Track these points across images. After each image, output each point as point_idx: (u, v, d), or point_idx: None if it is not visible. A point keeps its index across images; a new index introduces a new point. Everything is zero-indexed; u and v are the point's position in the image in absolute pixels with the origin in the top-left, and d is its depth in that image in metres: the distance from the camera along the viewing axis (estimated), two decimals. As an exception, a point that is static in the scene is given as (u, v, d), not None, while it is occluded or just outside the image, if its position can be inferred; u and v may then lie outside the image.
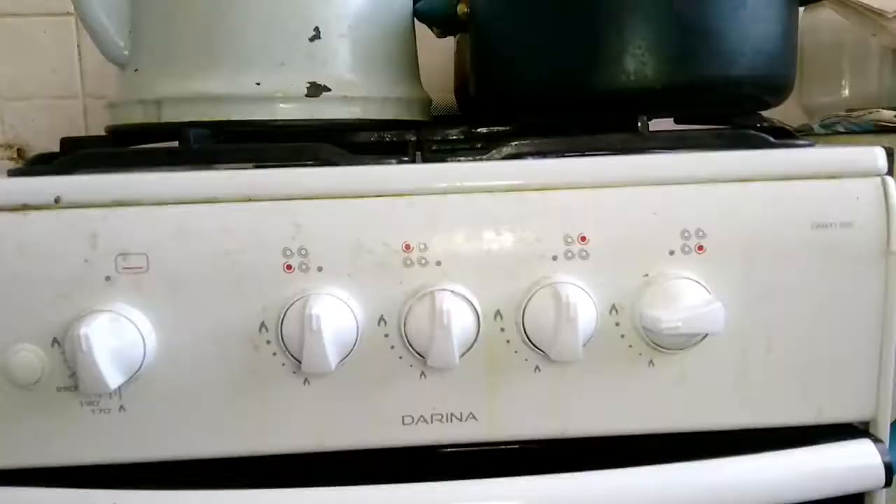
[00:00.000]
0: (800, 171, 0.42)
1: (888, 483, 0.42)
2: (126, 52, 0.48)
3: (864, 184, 0.42)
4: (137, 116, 0.47)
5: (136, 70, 0.48)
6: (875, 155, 0.42)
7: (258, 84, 0.46)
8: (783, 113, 0.83)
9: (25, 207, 0.40)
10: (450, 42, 0.76)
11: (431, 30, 0.63)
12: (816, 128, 0.77)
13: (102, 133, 0.53)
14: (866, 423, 0.44)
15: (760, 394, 0.42)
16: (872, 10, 0.75)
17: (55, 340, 0.39)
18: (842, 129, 0.75)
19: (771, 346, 0.42)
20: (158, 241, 0.39)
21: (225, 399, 0.40)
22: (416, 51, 0.57)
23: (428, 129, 0.51)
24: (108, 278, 0.39)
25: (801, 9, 0.53)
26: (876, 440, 0.43)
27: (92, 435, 0.40)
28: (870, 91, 0.81)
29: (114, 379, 0.37)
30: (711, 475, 0.42)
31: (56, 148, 0.89)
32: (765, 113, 0.54)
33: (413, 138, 0.50)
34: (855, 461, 0.43)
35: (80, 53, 0.91)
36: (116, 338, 0.38)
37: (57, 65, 0.91)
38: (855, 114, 0.76)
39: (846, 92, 0.85)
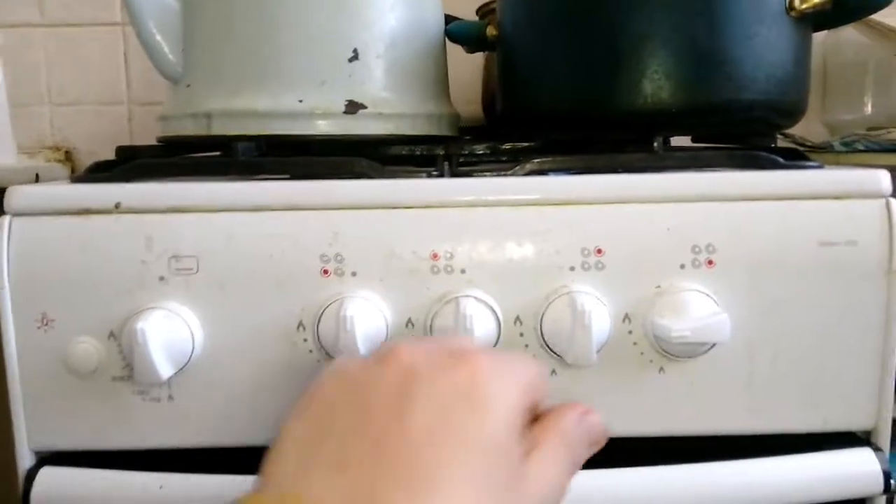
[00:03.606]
0: (807, 192, 0.44)
1: (886, 490, 0.44)
2: (179, 69, 0.51)
3: (868, 205, 0.43)
4: (188, 128, 0.51)
5: (187, 85, 0.51)
6: (879, 178, 0.44)
7: (300, 101, 0.49)
8: (805, 129, 0.85)
9: (88, 212, 0.44)
10: (478, 56, 0.79)
11: (462, 47, 0.66)
12: (837, 145, 0.78)
13: (148, 138, 0.57)
14: (868, 433, 0.45)
15: (766, 402, 0.44)
16: (895, 31, 0.76)
17: (112, 334, 0.43)
18: (861, 148, 0.76)
19: (777, 356, 0.44)
20: (208, 245, 0.43)
21: (264, 391, 0.43)
22: (447, 70, 0.60)
23: (456, 144, 0.54)
24: (161, 278, 0.43)
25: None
26: (876, 448, 0.45)
27: (142, 422, 0.44)
28: (892, 109, 0.82)
29: (165, 370, 0.41)
30: (716, 476, 0.44)
31: (102, 150, 0.94)
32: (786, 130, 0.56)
33: (442, 152, 0.53)
34: (855, 468, 0.44)
35: (126, 62, 0.96)
36: (168, 333, 0.41)
37: (104, 72, 0.95)
38: (875, 132, 0.78)
39: (868, 110, 0.86)
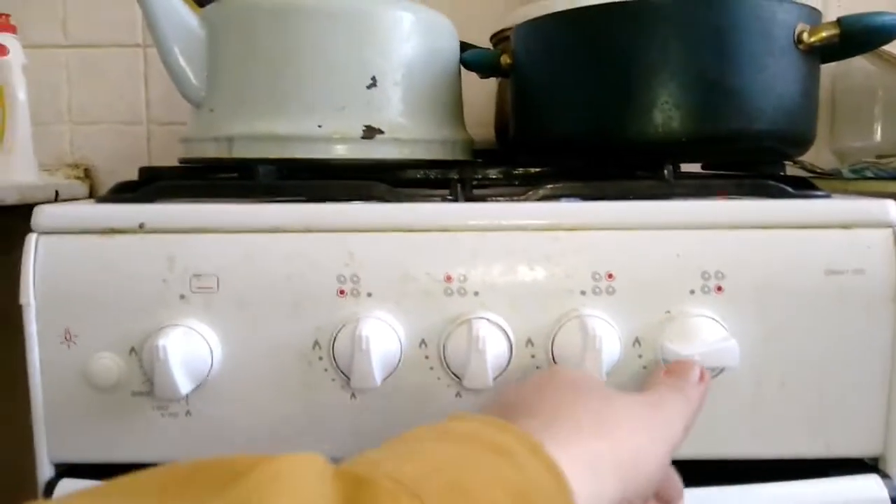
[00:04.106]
0: (815, 221, 0.45)
1: (894, 517, 0.44)
2: (202, 93, 0.53)
3: (875, 234, 0.44)
4: (210, 151, 0.52)
5: (210, 110, 0.53)
6: (886, 207, 0.45)
7: (320, 126, 0.50)
8: (814, 156, 0.85)
9: (112, 231, 0.45)
10: (492, 80, 0.80)
11: (476, 73, 0.67)
12: (846, 172, 0.79)
13: (167, 158, 0.58)
14: (875, 459, 0.46)
15: (773, 427, 0.45)
16: (905, 61, 0.77)
17: (133, 350, 0.44)
18: (870, 175, 0.77)
19: (784, 382, 0.44)
20: (228, 264, 0.44)
21: (280, 408, 0.44)
22: (462, 96, 0.61)
23: (470, 169, 0.55)
24: (182, 297, 0.44)
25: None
26: (884, 476, 0.45)
27: (161, 436, 0.45)
28: (901, 137, 0.83)
29: (185, 386, 0.42)
30: (722, 501, 0.44)
31: (121, 169, 0.96)
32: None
33: (456, 176, 0.54)
34: (863, 494, 0.45)
35: (146, 83, 0.97)
36: (188, 350, 0.42)
37: (124, 92, 0.97)
38: (884, 160, 0.78)
39: (877, 137, 0.86)
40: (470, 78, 0.63)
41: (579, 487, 0.28)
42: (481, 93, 0.83)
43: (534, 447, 0.28)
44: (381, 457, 0.27)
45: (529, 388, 0.36)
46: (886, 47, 0.75)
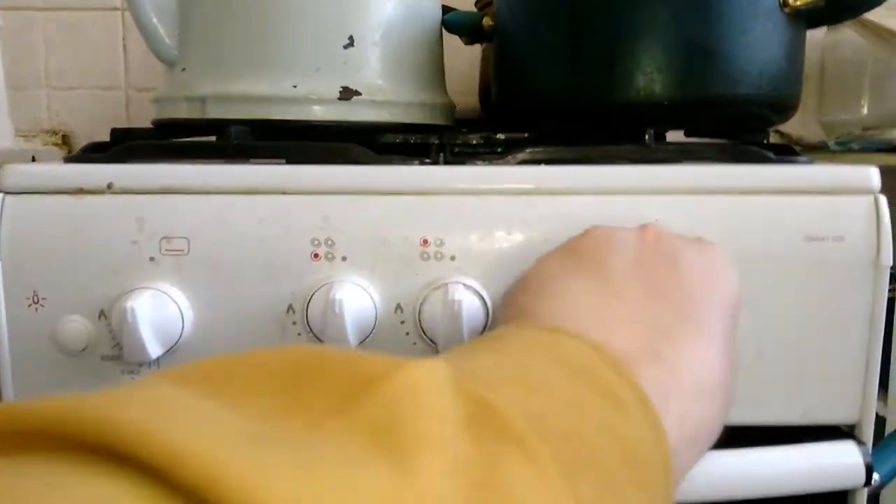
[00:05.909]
0: (796, 187, 0.44)
1: (867, 483, 0.44)
2: (174, 52, 0.51)
3: (857, 201, 0.44)
4: (182, 112, 0.51)
5: (183, 69, 0.51)
6: (869, 174, 0.44)
7: (295, 87, 0.49)
8: (802, 129, 0.85)
9: (81, 191, 0.44)
10: (476, 49, 0.79)
11: (460, 38, 0.66)
12: (832, 145, 0.78)
13: (146, 124, 0.57)
14: (851, 427, 0.46)
15: (751, 394, 0.44)
16: (893, 33, 0.76)
17: (102, 313, 0.43)
18: (856, 147, 0.76)
19: (762, 349, 0.44)
20: (199, 226, 0.43)
21: (253, 374, 0.44)
22: (443, 59, 0.60)
23: (450, 133, 0.54)
24: (152, 259, 0.43)
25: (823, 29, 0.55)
26: (859, 442, 0.45)
27: (131, 401, 0.44)
28: (888, 110, 0.82)
29: (154, 349, 0.41)
30: (701, 466, 0.44)
31: (99, 135, 0.94)
32: (781, 128, 0.56)
33: (436, 141, 0.53)
34: (838, 461, 0.45)
35: (125, 47, 0.96)
36: (158, 313, 0.41)
37: (103, 57, 0.95)
38: (870, 132, 0.78)
39: (865, 111, 0.86)
40: (454, 45, 0.62)
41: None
42: (465, 61, 0.82)
43: (643, 400, 0.27)
44: (495, 376, 0.25)
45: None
46: (876, 18, 0.74)
